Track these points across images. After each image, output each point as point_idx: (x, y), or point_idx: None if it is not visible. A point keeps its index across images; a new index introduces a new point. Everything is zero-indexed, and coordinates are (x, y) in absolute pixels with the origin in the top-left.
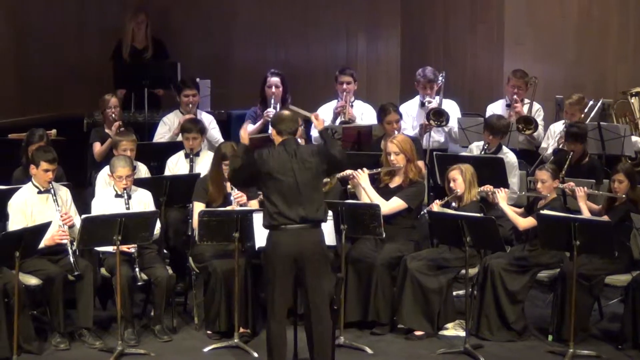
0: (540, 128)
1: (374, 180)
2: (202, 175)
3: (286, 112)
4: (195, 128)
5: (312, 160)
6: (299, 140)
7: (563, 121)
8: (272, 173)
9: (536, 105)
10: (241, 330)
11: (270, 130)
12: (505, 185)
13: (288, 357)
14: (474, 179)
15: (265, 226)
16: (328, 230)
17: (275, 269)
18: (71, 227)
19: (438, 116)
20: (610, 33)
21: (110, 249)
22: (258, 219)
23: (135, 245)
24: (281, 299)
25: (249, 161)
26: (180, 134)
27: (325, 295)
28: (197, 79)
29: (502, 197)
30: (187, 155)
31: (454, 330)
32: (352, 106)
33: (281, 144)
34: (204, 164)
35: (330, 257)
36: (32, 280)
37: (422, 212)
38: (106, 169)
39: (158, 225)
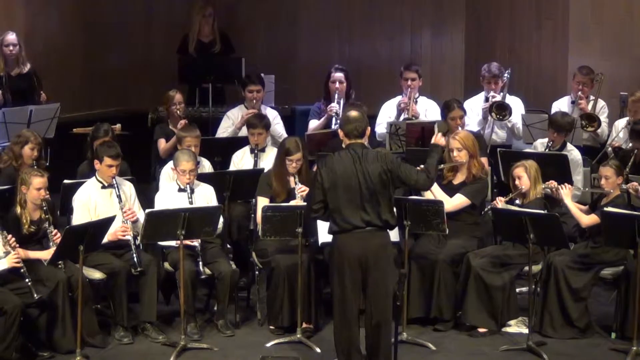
0: (604, 125)
1: (437, 177)
2: (265, 171)
3: (353, 113)
4: (260, 124)
5: (377, 165)
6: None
7: (627, 118)
8: (338, 180)
9: (601, 102)
10: (304, 325)
11: (339, 132)
12: (570, 182)
13: None
14: (538, 175)
15: (330, 232)
16: None
17: (342, 272)
18: (135, 221)
19: (500, 110)
20: None
21: (173, 243)
22: None
23: (199, 239)
24: (350, 300)
25: (315, 185)
26: (241, 128)
27: (387, 298)
28: (262, 74)
29: (566, 194)
30: (252, 151)
31: (516, 327)
32: (416, 102)
33: (347, 148)
34: (268, 160)
35: (395, 254)
36: (96, 274)
37: (485, 210)
38: (170, 164)
39: (221, 220)
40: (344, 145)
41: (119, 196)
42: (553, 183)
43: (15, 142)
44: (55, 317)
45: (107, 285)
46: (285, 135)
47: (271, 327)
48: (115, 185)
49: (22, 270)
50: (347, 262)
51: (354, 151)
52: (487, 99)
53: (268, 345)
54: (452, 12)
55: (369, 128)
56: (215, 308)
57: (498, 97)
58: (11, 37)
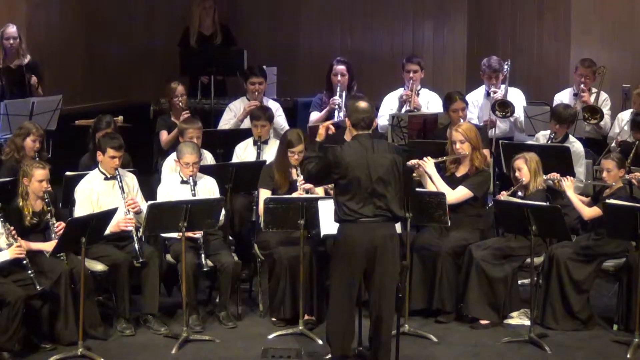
0: (607, 117)
1: (440, 169)
2: (267, 163)
3: (362, 104)
4: (264, 116)
5: (388, 156)
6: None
7: (631, 110)
8: (348, 168)
9: (603, 95)
10: (306, 317)
11: (346, 121)
12: (572, 174)
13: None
14: (539, 167)
15: (338, 220)
16: None
17: (346, 261)
18: (138, 213)
19: (503, 107)
20: None
21: (175, 235)
22: (323, 206)
23: (201, 231)
24: (350, 289)
25: (325, 162)
26: (243, 120)
27: (392, 290)
28: (264, 66)
29: (568, 186)
30: (255, 143)
31: (518, 319)
32: (418, 94)
33: (355, 138)
34: (271, 153)
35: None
36: (98, 266)
37: (489, 205)
38: (172, 156)
39: (223, 212)
40: (348, 134)
41: (121, 187)
42: (555, 175)
43: (17, 134)
44: (57, 309)
45: (109, 277)
46: (287, 127)
47: (273, 319)
48: (118, 177)
49: (24, 261)
50: (353, 251)
51: (363, 142)
52: (488, 93)
53: (270, 337)
54: (453, 3)
55: (376, 120)
56: (217, 300)
57: (499, 94)
58: (11, 29)
